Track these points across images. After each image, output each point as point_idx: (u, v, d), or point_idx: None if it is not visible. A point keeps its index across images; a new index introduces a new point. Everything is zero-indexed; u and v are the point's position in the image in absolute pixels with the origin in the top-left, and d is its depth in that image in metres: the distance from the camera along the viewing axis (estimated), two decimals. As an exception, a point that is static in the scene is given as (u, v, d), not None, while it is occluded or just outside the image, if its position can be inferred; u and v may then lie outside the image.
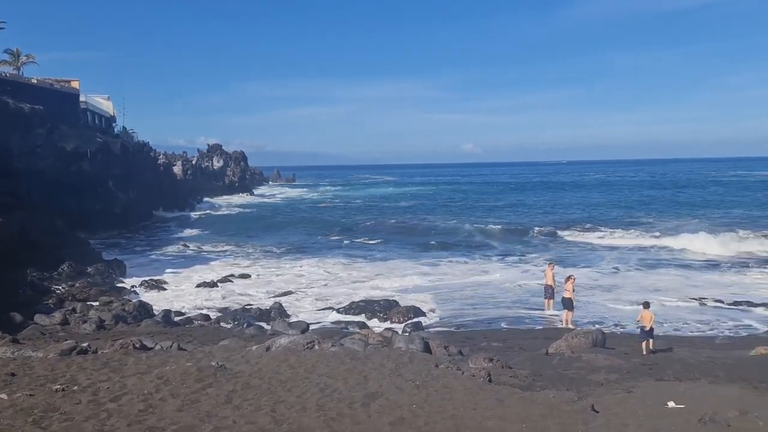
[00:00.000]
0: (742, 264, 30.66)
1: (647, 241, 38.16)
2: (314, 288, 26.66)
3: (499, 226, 46.09)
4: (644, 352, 14.60)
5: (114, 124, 69.99)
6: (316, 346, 12.17)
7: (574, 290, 19.69)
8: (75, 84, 58.30)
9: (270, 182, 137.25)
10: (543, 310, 21.43)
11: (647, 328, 14.96)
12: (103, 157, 49.41)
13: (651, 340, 15.00)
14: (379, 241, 42.12)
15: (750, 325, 19.23)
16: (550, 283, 21.39)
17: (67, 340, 13.42)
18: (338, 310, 22.15)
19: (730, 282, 26.40)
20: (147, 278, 27.85)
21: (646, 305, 15.58)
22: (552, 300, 21.11)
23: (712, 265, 30.68)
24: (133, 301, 22.26)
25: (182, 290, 26.50)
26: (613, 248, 36.54)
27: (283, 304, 22.44)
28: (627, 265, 30.67)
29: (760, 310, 21.17)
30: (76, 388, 9.30)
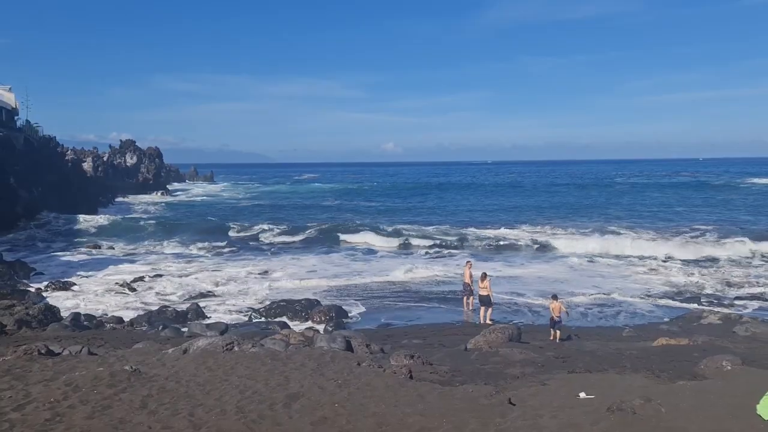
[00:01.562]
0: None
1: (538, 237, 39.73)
2: (233, 288, 26.09)
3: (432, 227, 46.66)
4: (551, 338, 16.28)
5: (16, 117, 65.66)
6: (236, 348, 11.92)
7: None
8: (-28, 73, 54.34)
9: (187, 180, 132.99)
10: (462, 307, 21.92)
11: (556, 318, 16.57)
12: (3, 152, 46.39)
13: (558, 331, 16.57)
14: (302, 238, 41.81)
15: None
16: (468, 281, 21.93)
17: (-37, 347, 12.48)
18: (258, 311, 21.81)
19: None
20: (54, 280, 26.38)
21: (555, 297, 17.27)
22: (471, 297, 21.61)
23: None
24: (38, 304, 20.99)
25: (92, 293, 25.25)
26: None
27: (201, 305, 21.84)
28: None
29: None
30: (-27, 398, 8.66)
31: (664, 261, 32.24)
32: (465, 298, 21.98)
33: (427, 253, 35.61)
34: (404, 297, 24.44)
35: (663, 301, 23.37)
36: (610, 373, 11.13)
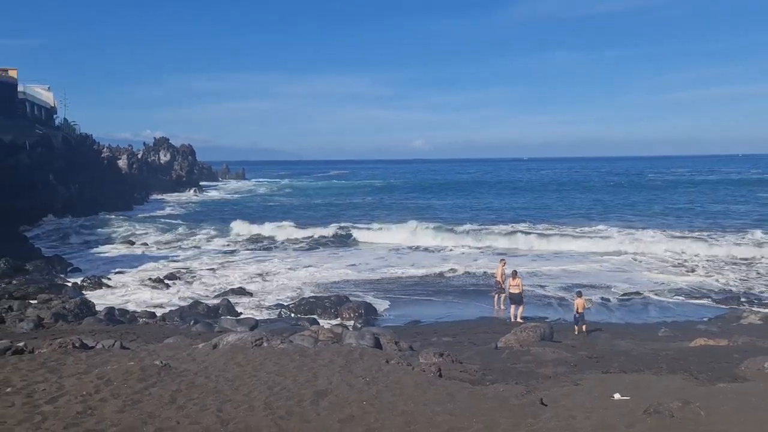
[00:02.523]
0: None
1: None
2: (264, 284, 26.26)
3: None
4: (576, 332, 17.07)
5: (55, 116, 67.26)
6: (265, 343, 11.92)
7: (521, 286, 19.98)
8: (13, 73, 55.74)
9: (219, 177, 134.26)
10: (493, 306, 21.65)
11: (580, 313, 17.33)
12: (43, 150, 47.48)
13: (584, 325, 17.29)
14: (332, 233, 41.91)
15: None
16: (499, 278, 21.65)
17: (1, 339, 12.75)
18: (288, 307, 21.90)
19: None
20: (90, 275, 26.87)
21: (579, 294, 18.08)
22: (502, 295, 21.32)
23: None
24: (75, 298, 21.39)
25: (127, 288, 25.63)
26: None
27: (232, 301, 21.99)
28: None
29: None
30: (9, 389, 8.81)
31: (702, 259, 31.38)
32: (496, 295, 21.71)
33: (462, 253, 35.08)
34: (434, 294, 24.31)
35: (700, 301, 22.76)
36: (646, 374, 10.83)
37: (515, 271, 20.55)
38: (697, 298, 23.22)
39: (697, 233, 38.72)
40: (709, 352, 13.63)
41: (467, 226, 43.09)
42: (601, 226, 43.37)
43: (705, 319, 19.62)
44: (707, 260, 31.14)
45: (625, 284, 25.53)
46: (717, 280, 26.29)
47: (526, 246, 36.39)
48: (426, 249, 36.51)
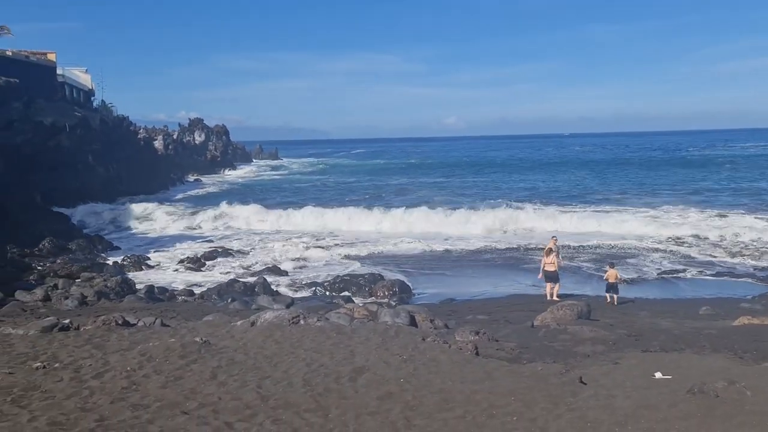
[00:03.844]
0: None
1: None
2: (298, 263, 26.58)
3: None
4: (607, 302, 17.75)
5: (92, 98, 68.41)
6: (302, 321, 12.06)
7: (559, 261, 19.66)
8: (52, 56, 56.72)
9: (253, 158, 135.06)
10: (542, 289, 20.69)
11: (612, 283, 17.98)
12: (82, 131, 48.44)
13: (615, 296, 17.97)
14: (364, 207, 41.99)
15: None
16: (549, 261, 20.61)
17: (48, 316, 13.17)
18: (323, 285, 22.13)
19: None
20: (130, 255, 27.50)
21: (612, 265, 18.71)
22: (557, 285, 20.28)
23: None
24: (116, 277, 21.94)
25: (166, 266, 26.21)
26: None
27: (268, 280, 22.28)
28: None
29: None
30: (57, 365, 9.10)
31: (745, 237, 30.52)
32: (548, 284, 20.95)
33: (504, 232, 34.73)
34: (468, 272, 24.35)
35: (743, 279, 22.21)
36: (688, 353, 10.64)
37: (550, 247, 20.17)
38: (739, 276, 22.68)
39: (742, 210, 37.65)
40: (753, 331, 13.31)
41: (502, 205, 42.68)
42: (649, 204, 42.50)
43: (748, 297, 19.15)
44: (751, 240, 30.27)
45: (663, 261, 25.12)
46: (761, 258, 25.61)
47: (570, 226, 35.71)
48: (459, 234, 36.25)
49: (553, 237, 21.48)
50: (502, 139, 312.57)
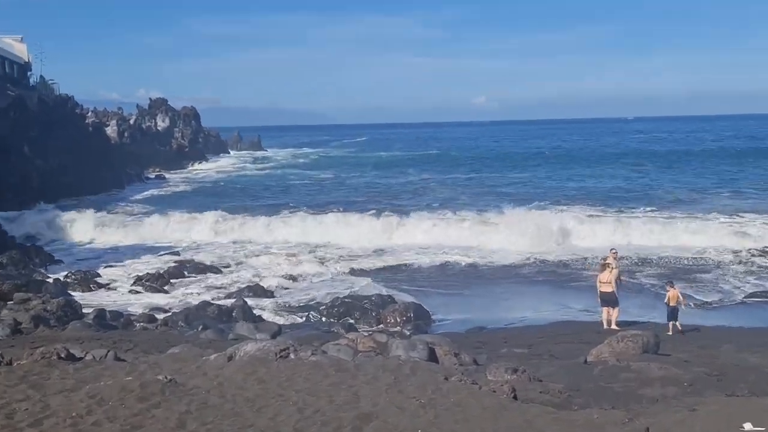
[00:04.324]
0: None
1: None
2: (287, 281, 26.72)
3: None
4: (669, 331, 17.78)
5: (29, 73, 69.16)
6: (292, 355, 12.06)
7: (619, 281, 19.54)
8: (-23, 22, 57.33)
9: (231, 148, 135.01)
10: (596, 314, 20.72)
11: (672, 306, 18.17)
12: (16, 114, 48.89)
13: (678, 323, 18.18)
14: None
15: None
16: (607, 279, 20.20)
17: (-28, 348, 13.23)
18: (318, 309, 22.19)
19: None
20: (75, 270, 27.66)
21: (671, 283, 18.88)
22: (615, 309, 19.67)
23: None
24: (58, 298, 22.06)
25: (121, 285, 26.41)
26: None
27: (249, 302, 22.36)
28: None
29: None
30: (-17, 410, 9.12)
31: None
32: (606, 308, 20.76)
33: (550, 243, 34.62)
34: (502, 291, 24.53)
35: None
36: (785, 399, 10.54)
37: (606, 262, 20.00)
38: None
39: None
40: None
41: (544, 209, 42.65)
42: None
43: None
44: None
45: (749, 280, 25.12)
46: None
47: (631, 235, 35.44)
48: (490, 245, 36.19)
49: (613, 250, 21.08)
50: (546, 125, 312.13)
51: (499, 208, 42.18)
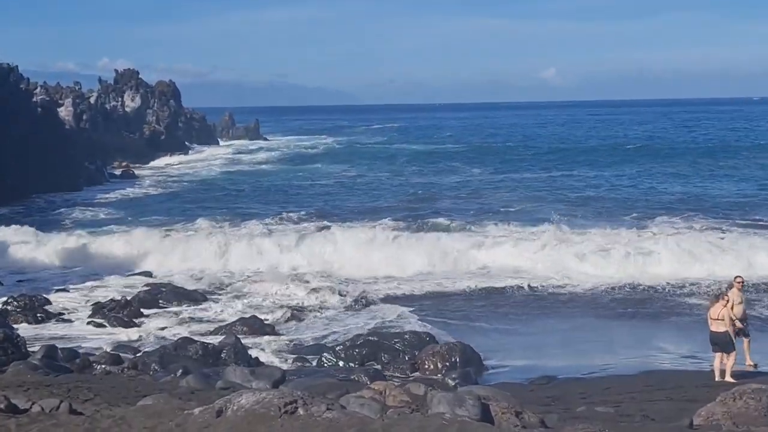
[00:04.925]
0: None
1: None
2: (292, 312, 26.82)
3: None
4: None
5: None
6: (301, 410, 12.12)
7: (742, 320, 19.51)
8: None
9: (221, 136, 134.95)
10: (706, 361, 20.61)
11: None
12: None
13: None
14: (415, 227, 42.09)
15: None
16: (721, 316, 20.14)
17: None
18: (333, 349, 22.16)
19: None
20: (17, 295, 27.91)
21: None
22: (745, 339, 19.91)
23: None
24: (-5, 331, 22.38)
25: (77, 314, 26.72)
26: None
27: (244, 340, 22.48)
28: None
29: None
30: None
31: None
32: (719, 354, 20.51)
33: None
34: (576, 326, 24.65)
35: None
36: None
37: (722, 292, 19.90)
38: None
39: None
40: None
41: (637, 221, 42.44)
42: None
43: None
44: None
45: None
46: None
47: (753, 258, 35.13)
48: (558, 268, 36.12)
49: (738, 278, 20.89)
50: (638, 106, 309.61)
51: (568, 216, 42.26)
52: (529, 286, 30.23)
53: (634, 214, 45.40)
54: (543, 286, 29.92)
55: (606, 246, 35.78)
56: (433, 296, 29.18)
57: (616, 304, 27.45)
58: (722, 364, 19.20)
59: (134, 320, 26.04)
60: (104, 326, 25.40)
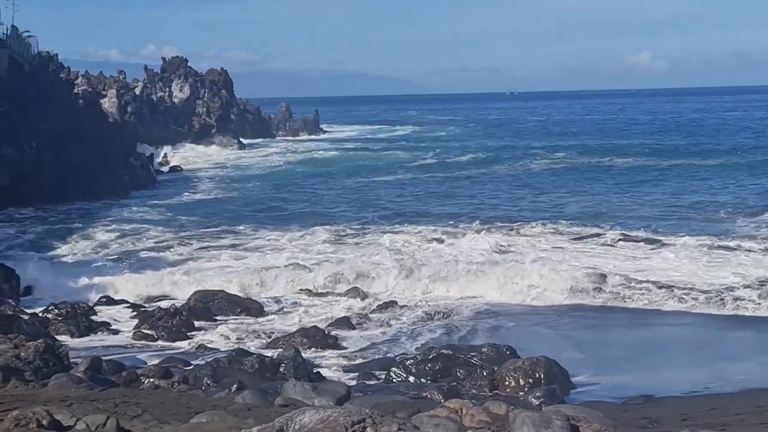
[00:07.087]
0: None
1: None
2: (358, 321, 26.93)
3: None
4: None
5: (-3, 23, 71.37)
6: (369, 429, 12.11)
7: None
8: None
9: (276, 129, 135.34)
10: None
11: None
12: (-22, 82, 50.14)
13: None
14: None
15: None
16: None
17: None
18: (402, 363, 22.10)
19: None
20: (59, 302, 28.25)
21: None
22: None
23: None
24: (36, 341, 22.67)
25: (123, 324, 27.06)
26: None
27: (305, 353, 22.56)
28: None
29: None
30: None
31: None
32: None
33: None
34: (675, 340, 24.28)
35: None
36: None
37: None
38: None
39: None
40: None
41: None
42: None
43: None
44: None
45: None
46: None
47: None
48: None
49: None
50: (755, 94, 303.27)
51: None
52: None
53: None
54: (635, 288, 29.44)
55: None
56: (511, 305, 28.92)
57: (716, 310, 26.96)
58: None
59: (184, 330, 26.30)
60: (152, 337, 25.68)
